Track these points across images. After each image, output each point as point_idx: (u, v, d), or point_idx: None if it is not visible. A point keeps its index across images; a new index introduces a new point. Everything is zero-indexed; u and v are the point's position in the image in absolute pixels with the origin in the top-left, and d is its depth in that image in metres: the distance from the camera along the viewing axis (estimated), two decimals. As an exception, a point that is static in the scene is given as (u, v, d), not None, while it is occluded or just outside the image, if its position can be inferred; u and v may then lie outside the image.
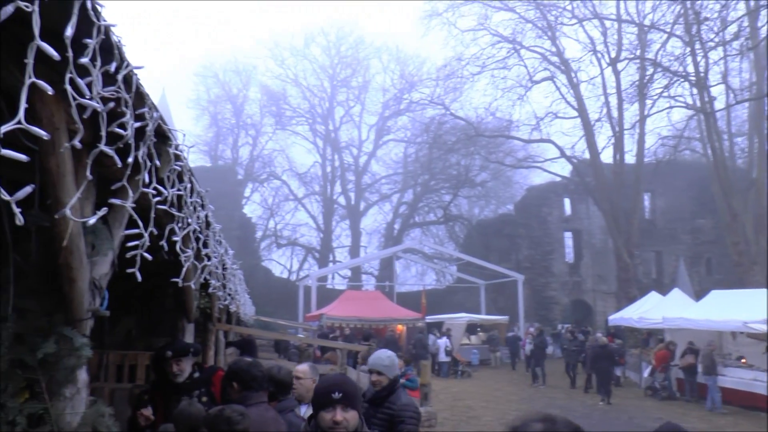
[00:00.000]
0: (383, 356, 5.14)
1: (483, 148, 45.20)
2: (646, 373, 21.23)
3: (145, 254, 3.21)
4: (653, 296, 25.92)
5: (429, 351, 25.85)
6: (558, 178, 42.32)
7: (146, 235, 3.18)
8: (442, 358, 26.30)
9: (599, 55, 37.68)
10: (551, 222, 42.39)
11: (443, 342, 26.68)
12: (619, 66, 36.95)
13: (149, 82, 2.92)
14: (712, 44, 32.23)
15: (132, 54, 2.61)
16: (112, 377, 8.86)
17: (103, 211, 2.74)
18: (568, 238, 43.50)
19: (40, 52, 1.93)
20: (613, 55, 37.03)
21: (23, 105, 1.86)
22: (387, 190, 60.08)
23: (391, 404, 4.96)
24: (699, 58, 32.47)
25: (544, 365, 22.96)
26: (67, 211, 2.49)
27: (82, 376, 3.15)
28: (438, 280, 53.54)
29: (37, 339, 2.98)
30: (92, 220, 2.68)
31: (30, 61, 1.89)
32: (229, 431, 3.58)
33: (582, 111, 37.35)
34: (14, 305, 2.99)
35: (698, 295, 25.58)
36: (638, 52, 35.89)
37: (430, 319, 32.02)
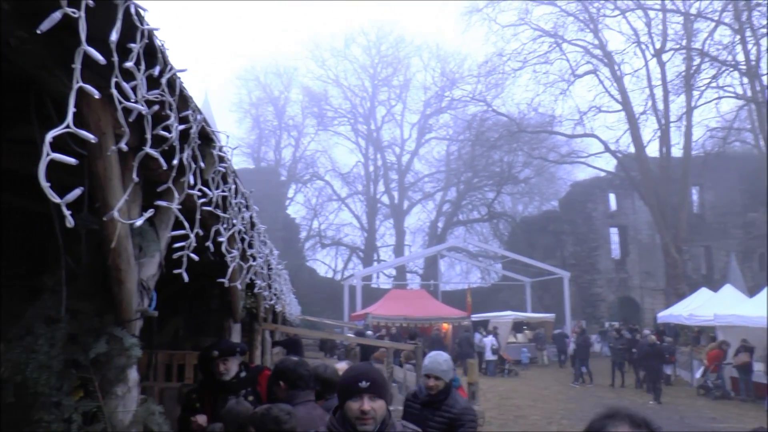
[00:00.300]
0: (440, 360, 5.07)
1: (526, 144, 44.82)
2: (698, 373, 20.77)
3: (192, 255, 3.25)
4: (704, 292, 25.35)
5: (475, 349, 25.72)
6: (602, 173, 41.70)
7: (192, 236, 3.23)
8: (489, 356, 26.12)
9: (643, 46, 37.01)
10: (596, 218, 41.73)
11: (489, 340, 26.51)
12: (665, 57, 36.23)
13: (192, 86, 2.96)
14: (763, 30, 31.34)
15: (175, 58, 2.65)
16: (161, 377, 9.00)
17: (150, 212, 2.79)
18: (614, 234, 42.76)
19: (86, 57, 1.96)
20: (657, 46, 36.35)
21: (71, 109, 1.90)
22: (430, 188, 60.04)
23: (450, 408, 4.92)
24: (750, 46, 31.69)
25: (589, 364, 22.67)
26: (115, 213, 2.53)
27: (133, 375, 3.21)
28: (483, 278, 53.23)
29: (89, 339, 3.05)
30: (139, 222, 2.73)
31: (77, 66, 1.93)
32: (277, 430, 3.61)
33: (626, 104, 36.75)
34: (67, 307, 3.06)
35: (751, 291, 25.00)
36: (684, 42, 35.11)
37: (475, 317, 31.92)
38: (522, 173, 51.98)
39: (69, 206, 1.99)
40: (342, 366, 5.54)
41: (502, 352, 27.14)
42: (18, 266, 9.80)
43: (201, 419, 5.13)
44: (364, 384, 2.84)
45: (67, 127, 1.88)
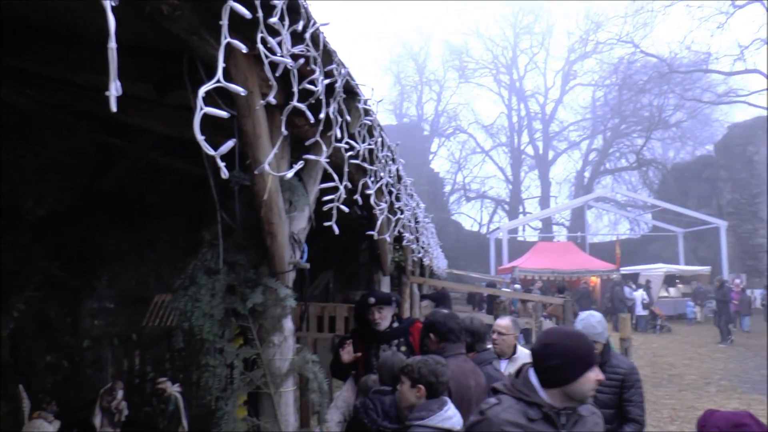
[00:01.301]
0: (594, 323, 4.87)
1: (677, 85, 42.26)
2: None
3: (342, 207, 3.31)
4: None
5: (626, 304, 24.88)
6: (766, 113, 38.48)
7: (341, 188, 3.28)
8: (639, 311, 25.14)
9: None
10: (758, 162, 38.26)
11: (640, 295, 25.52)
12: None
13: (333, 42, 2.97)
14: None
15: (316, 13, 2.66)
16: (314, 328, 9.32)
17: (300, 164, 2.85)
18: (779, 178, 39.62)
19: (232, 18, 2.01)
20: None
21: (221, 65, 1.96)
22: (576, 137, 58.20)
23: (616, 369, 4.77)
24: None
25: (732, 320, 21.25)
26: (266, 166, 2.61)
27: (288, 324, 3.33)
28: (632, 230, 51.27)
29: (247, 290, 3.20)
30: (290, 174, 2.81)
31: (224, 22, 1.97)
32: (435, 382, 3.65)
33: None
34: (225, 259, 3.21)
35: None
36: None
37: (624, 270, 30.83)
38: (673, 117, 49.03)
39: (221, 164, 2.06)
40: (506, 323, 5.48)
41: (654, 307, 26.07)
42: (178, 223, 10.46)
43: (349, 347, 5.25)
44: (596, 353, 2.81)
45: (218, 82, 1.94)
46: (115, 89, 1.50)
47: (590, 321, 4.92)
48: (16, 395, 5.48)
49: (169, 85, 3.27)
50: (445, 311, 4.82)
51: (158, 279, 9.96)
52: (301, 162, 2.90)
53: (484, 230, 53.95)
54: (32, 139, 5.75)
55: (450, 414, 3.60)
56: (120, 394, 6.26)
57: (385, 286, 6.90)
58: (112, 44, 1.50)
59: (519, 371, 2.85)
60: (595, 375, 2.65)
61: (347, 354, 5.26)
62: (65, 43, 3.49)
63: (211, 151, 1.95)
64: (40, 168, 5.81)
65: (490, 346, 5.26)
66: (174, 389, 6.28)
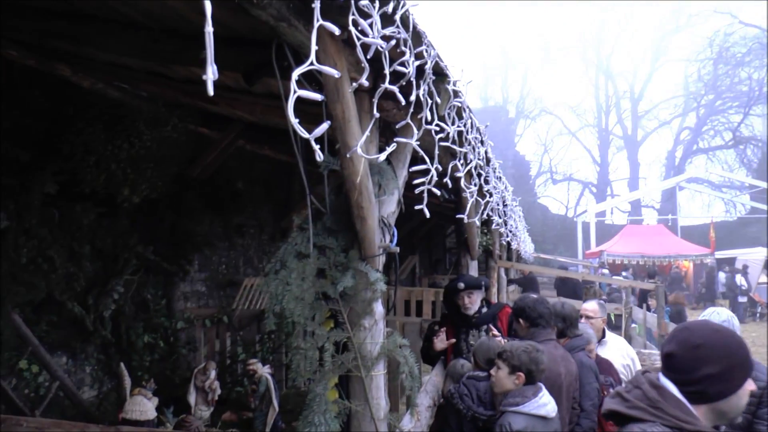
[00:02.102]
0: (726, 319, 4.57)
1: (780, 56, 40.10)
2: None
3: (435, 189, 3.29)
4: None
5: (735, 291, 23.73)
6: None
7: (433, 170, 3.26)
8: (738, 298, 24.08)
9: None
10: None
11: (737, 281, 24.40)
12: None
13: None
14: None
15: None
16: (400, 312, 9.35)
17: (392, 147, 2.84)
18: None
19: (323, 2, 2.00)
20: None
21: (314, 47, 1.96)
22: (666, 115, 56.09)
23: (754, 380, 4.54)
24: None
25: None
26: (358, 149, 2.60)
27: (378, 308, 3.34)
28: (728, 212, 49.14)
29: (337, 273, 3.22)
30: (382, 157, 2.79)
31: (317, 4, 1.97)
32: (536, 371, 3.60)
33: None
34: (314, 243, 3.24)
35: None
36: None
37: (720, 254, 29.60)
38: (774, 90, 46.70)
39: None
40: (593, 307, 5.37)
41: (753, 294, 24.92)
42: (266, 209, 10.67)
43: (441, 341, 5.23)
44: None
45: (311, 64, 1.94)
46: (211, 73, 1.51)
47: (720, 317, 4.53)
48: (119, 373, 5.71)
49: (256, 74, 3.31)
50: (535, 296, 4.74)
51: (247, 263, 10.21)
52: (394, 144, 2.89)
53: (571, 213, 52.96)
54: (127, 130, 5.96)
55: (545, 401, 3.54)
56: (213, 374, 6.45)
57: (473, 270, 6.85)
58: (209, 28, 1.52)
59: (640, 383, 2.12)
60: (750, 386, 2.06)
61: (441, 342, 5.25)
62: (154, 37, 3.58)
63: (305, 134, 1.96)
64: (134, 157, 6.01)
65: (581, 332, 5.14)
66: (265, 371, 6.42)
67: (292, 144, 2.90)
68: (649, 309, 12.02)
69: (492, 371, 3.84)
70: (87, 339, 6.71)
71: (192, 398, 6.39)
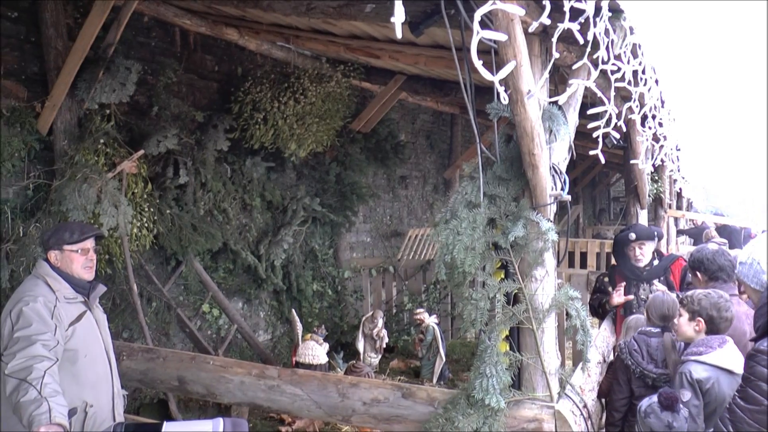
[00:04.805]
0: None
1: None
2: None
3: (613, 132, 3.13)
4: None
5: None
6: None
7: (610, 110, 3.09)
8: None
9: None
10: None
11: None
12: None
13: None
14: None
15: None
16: (564, 263, 9.14)
17: (572, 88, 2.72)
18: None
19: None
20: None
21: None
22: None
23: None
24: None
25: None
26: (538, 92, 2.51)
27: (550, 259, 3.25)
28: None
29: (508, 223, 3.15)
30: (563, 99, 2.69)
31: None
32: (718, 317, 3.38)
33: None
34: (485, 192, 3.18)
35: None
36: None
37: None
38: None
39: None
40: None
41: None
42: (428, 160, 10.73)
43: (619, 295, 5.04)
44: None
45: (494, 3, 1.88)
46: (401, 15, 1.48)
47: None
48: (291, 318, 5.98)
49: (423, 24, 3.26)
50: (714, 247, 4.43)
51: (411, 214, 10.34)
52: (574, 86, 2.76)
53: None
54: (292, 87, 6.17)
55: (733, 354, 3.32)
56: (380, 322, 6.61)
57: (642, 220, 6.53)
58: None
59: None
60: None
61: (618, 296, 5.04)
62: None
63: (490, 76, 1.90)
64: (300, 114, 6.22)
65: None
66: (432, 320, 6.50)
67: (459, 93, 2.84)
68: None
69: (675, 319, 3.66)
70: (260, 286, 7.09)
71: (360, 345, 6.59)
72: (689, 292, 3.61)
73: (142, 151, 5.14)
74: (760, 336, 2.83)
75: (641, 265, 5.06)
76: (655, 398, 3.32)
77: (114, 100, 4.92)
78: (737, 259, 3.33)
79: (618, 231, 5.65)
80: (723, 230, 14.22)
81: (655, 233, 5.24)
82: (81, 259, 3.38)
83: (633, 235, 5.05)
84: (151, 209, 5.35)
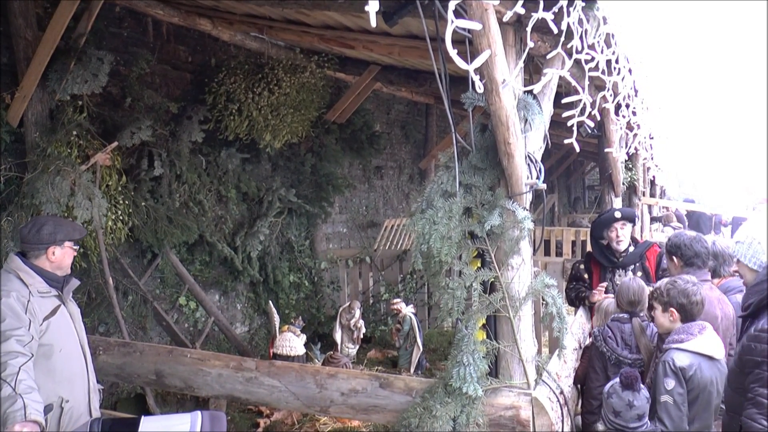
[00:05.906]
0: None
1: None
2: None
3: (588, 121, 3.15)
4: None
5: None
6: None
7: (584, 99, 3.11)
8: None
9: None
10: None
11: None
12: None
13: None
14: None
15: None
16: (540, 252, 9.20)
17: (547, 77, 2.73)
18: None
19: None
20: None
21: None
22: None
23: None
24: None
25: None
26: (513, 81, 2.51)
27: (526, 247, 3.27)
28: None
29: (483, 212, 3.17)
30: (537, 88, 2.70)
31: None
32: (688, 303, 3.43)
33: None
34: (460, 181, 3.19)
35: None
36: None
37: None
38: None
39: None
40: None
41: None
42: (403, 150, 10.73)
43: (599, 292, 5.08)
44: None
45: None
46: (375, 4, 1.48)
47: None
48: (267, 310, 5.97)
49: (396, 13, 3.25)
50: (692, 233, 4.49)
51: (387, 204, 10.35)
52: (548, 75, 2.77)
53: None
54: (266, 78, 6.14)
55: (713, 340, 3.37)
56: (358, 312, 6.61)
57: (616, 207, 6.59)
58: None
59: None
60: None
61: (599, 294, 5.07)
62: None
63: (465, 65, 1.90)
64: (274, 104, 6.19)
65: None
66: (408, 310, 6.51)
67: (434, 83, 2.85)
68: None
69: (651, 312, 3.72)
70: (237, 278, 7.07)
71: (338, 336, 6.59)
72: (657, 284, 3.67)
73: (115, 143, 5.09)
74: (751, 314, 2.88)
75: (621, 248, 5.10)
76: (617, 379, 3.39)
77: (86, 91, 4.85)
78: (734, 240, 3.41)
79: (593, 219, 5.70)
80: (691, 216, 14.43)
81: (634, 216, 5.32)
82: (72, 254, 3.46)
83: (618, 213, 5.10)
84: (126, 202, 5.29)
